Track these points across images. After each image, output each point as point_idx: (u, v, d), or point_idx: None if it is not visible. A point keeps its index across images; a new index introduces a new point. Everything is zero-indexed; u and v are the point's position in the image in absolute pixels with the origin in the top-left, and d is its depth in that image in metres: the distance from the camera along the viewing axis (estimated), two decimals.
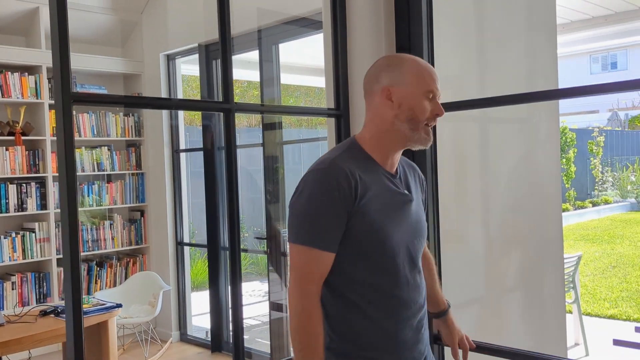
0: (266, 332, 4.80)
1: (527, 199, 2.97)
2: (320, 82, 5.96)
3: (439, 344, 2.19)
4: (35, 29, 4.92)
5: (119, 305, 3.76)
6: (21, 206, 4.82)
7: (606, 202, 14.47)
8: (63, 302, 3.42)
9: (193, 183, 6.64)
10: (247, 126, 9.25)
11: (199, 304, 5.88)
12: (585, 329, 4.79)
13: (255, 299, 7.06)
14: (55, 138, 2.21)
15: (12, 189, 4.78)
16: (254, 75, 4.91)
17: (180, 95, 5.44)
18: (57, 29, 1.52)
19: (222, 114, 1.93)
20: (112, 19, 5.36)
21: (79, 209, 5.18)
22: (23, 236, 4.83)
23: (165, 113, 5.36)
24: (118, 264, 5.48)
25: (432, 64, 2.19)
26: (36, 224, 4.89)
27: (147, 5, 5.37)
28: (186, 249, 5.50)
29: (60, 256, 4.95)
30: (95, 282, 5.33)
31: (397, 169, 1.62)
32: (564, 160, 14.22)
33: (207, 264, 5.70)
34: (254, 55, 4.50)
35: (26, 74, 4.83)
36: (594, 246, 9.77)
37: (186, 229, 5.52)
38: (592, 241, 10.19)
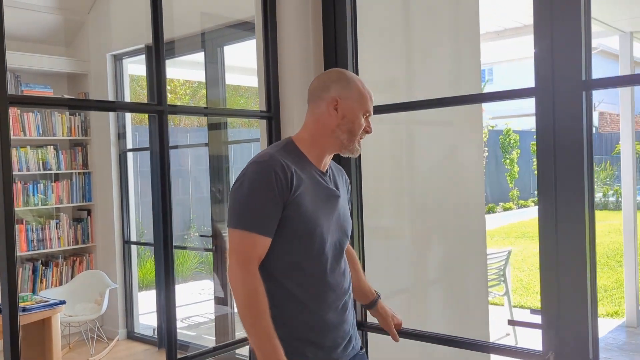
0: (213, 329, 4.91)
1: (451, 196, 3.18)
2: None
3: (363, 329, 2.37)
4: None
5: (63, 302, 3.81)
6: None
7: None
8: None
9: (142, 182, 6.68)
10: (197, 126, 9.30)
11: (149, 302, 5.93)
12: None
13: (204, 297, 7.14)
14: None
15: None
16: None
17: (127, 95, 5.47)
18: None
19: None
20: (59, 18, 5.36)
21: (24, 208, 5.17)
22: None
23: (112, 113, 5.39)
24: (64, 263, 5.48)
25: (356, 69, 2.37)
26: None
27: (93, 6, 5.39)
28: (133, 247, 5.55)
29: None
30: (41, 282, 5.31)
31: (327, 169, 1.81)
32: (508, 161, 14.75)
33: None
34: (202, 57, 4.61)
35: None
36: (533, 243, 10.23)
37: (133, 228, 5.56)
38: (531, 238, 10.65)
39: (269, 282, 1.66)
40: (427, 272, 3.09)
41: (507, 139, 14.92)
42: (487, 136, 14.10)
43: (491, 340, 3.72)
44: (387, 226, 2.89)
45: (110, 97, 5.29)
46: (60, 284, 5.39)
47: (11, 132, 4.24)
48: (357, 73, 2.36)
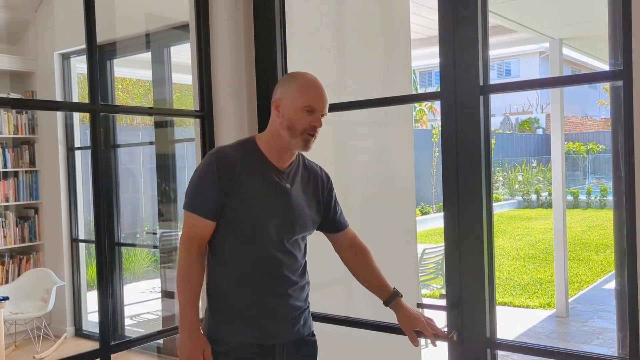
0: (160, 326, 4.99)
1: (382, 194, 3.37)
2: None
3: None
4: None
5: (6, 298, 3.84)
6: None
7: (497, 200, 15.57)
8: None
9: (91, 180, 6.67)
10: (151, 125, 9.30)
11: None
12: None
13: (155, 295, 7.18)
14: None
15: None
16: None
17: (75, 94, 5.50)
18: None
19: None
20: (5, 16, 5.35)
21: None
22: None
23: (60, 111, 5.40)
24: (10, 261, 5.47)
25: (285, 69, 2.51)
26: None
27: (41, 4, 5.40)
28: (82, 246, 5.58)
29: None
30: None
31: (290, 167, 1.91)
32: None
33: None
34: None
35: None
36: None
37: (82, 226, 5.59)
38: None
39: (215, 261, 1.87)
40: None
41: None
42: (439, 137, 14.47)
43: None
44: None
45: (58, 96, 5.31)
46: (7, 282, 5.38)
47: None
48: (286, 72, 2.49)
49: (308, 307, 2.02)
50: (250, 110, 2.47)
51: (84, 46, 2.10)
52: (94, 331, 5.47)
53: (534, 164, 17.80)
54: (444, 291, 5.16)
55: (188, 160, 5.38)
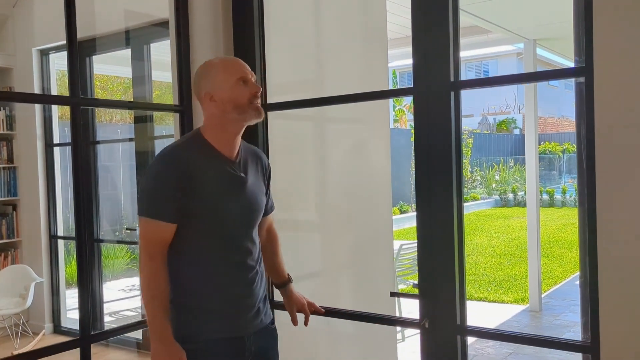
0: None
1: (359, 189, 3.44)
2: None
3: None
4: None
5: None
6: None
7: (474, 199, 15.77)
8: None
9: (70, 177, 6.65)
10: (131, 122, 9.27)
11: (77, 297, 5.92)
12: None
13: (134, 293, 7.17)
14: None
15: None
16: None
17: (54, 90, 5.49)
18: None
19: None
20: None
21: None
22: None
23: (38, 107, 5.39)
24: None
25: (264, 68, 2.57)
26: None
27: (19, 0, 5.38)
28: (61, 242, 5.56)
29: None
30: None
31: (238, 155, 1.92)
32: None
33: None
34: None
35: None
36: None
37: (60, 223, 5.57)
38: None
39: (179, 260, 1.85)
40: (335, 260, 3.33)
41: None
42: None
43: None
44: (297, 219, 3.11)
45: (37, 92, 5.29)
46: None
47: None
48: (264, 69, 2.55)
49: (267, 294, 2.06)
50: None
51: (63, 42, 2.13)
52: (73, 327, 5.47)
53: (511, 164, 18.07)
54: (397, 278, 5.19)
55: None
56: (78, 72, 2.15)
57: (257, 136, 2.54)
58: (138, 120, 4.60)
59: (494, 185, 16.72)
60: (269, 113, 2.54)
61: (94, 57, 5.25)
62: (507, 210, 15.12)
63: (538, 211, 5.97)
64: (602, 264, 1.75)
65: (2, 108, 5.49)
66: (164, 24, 4.39)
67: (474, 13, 5.09)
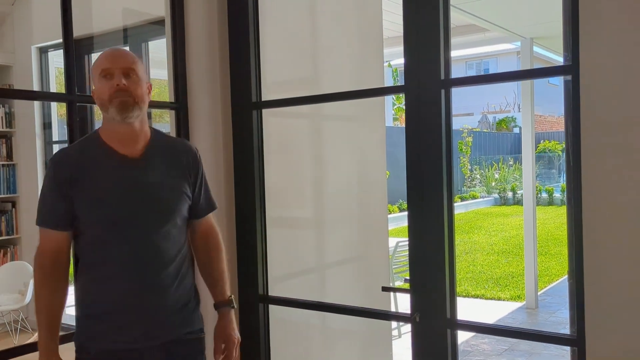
0: None
1: (355, 187, 3.48)
2: None
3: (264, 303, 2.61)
4: None
5: None
6: None
7: (474, 197, 15.81)
8: None
9: None
10: None
11: None
12: None
13: None
14: None
15: None
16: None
17: (53, 88, 5.52)
18: None
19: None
20: None
21: None
22: None
23: (37, 105, 5.42)
24: None
25: (258, 67, 2.58)
26: None
27: None
28: None
29: None
30: None
31: (145, 151, 1.78)
32: None
33: None
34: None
35: None
36: (455, 235, 10.80)
37: None
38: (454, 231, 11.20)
39: (82, 268, 1.79)
40: (330, 257, 3.36)
41: None
42: None
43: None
44: (293, 216, 3.13)
45: (36, 89, 5.33)
46: None
47: None
48: (259, 67, 2.57)
49: (194, 300, 1.89)
50: (224, 102, 2.55)
51: (61, 40, 2.16)
52: (71, 324, 5.49)
53: (511, 162, 18.09)
54: (391, 272, 5.21)
55: None
56: (74, 70, 2.17)
57: (251, 133, 2.56)
58: None
59: (493, 184, 16.75)
60: (264, 110, 2.57)
61: (92, 55, 5.28)
62: (506, 208, 15.14)
63: (534, 208, 6.00)
64: (588, 260, 1.78)
65: (1, 105, 5.52)
66: (161, 22, 4.42)
67: (470, 12, 5.11)
